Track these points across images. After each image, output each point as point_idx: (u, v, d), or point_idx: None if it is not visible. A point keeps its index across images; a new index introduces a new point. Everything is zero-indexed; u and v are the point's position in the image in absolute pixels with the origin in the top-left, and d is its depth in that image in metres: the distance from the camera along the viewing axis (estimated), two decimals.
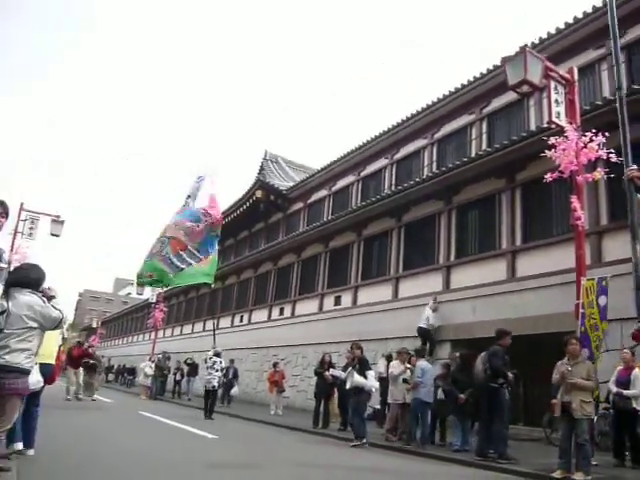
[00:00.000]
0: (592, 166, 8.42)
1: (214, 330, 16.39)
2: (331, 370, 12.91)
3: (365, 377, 10.52)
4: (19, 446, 5.62)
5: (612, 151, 7.49)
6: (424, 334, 13.79)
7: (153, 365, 23.41)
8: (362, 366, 10.73)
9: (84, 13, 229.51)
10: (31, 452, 5.57)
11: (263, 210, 28.11)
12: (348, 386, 10.67)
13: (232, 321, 27.65)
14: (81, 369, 17.09)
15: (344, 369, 12.22)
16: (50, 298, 4.70)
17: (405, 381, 10.60)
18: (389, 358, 12.80)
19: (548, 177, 7.83)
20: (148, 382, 23.12)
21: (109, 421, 12.07)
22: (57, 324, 4.53)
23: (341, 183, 24.46)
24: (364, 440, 10.05)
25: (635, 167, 3.68)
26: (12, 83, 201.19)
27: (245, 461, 7.01)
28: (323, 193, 25.60)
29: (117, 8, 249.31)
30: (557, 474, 6.76)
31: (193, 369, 23.33)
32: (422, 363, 10.44)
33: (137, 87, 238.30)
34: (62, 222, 19.28)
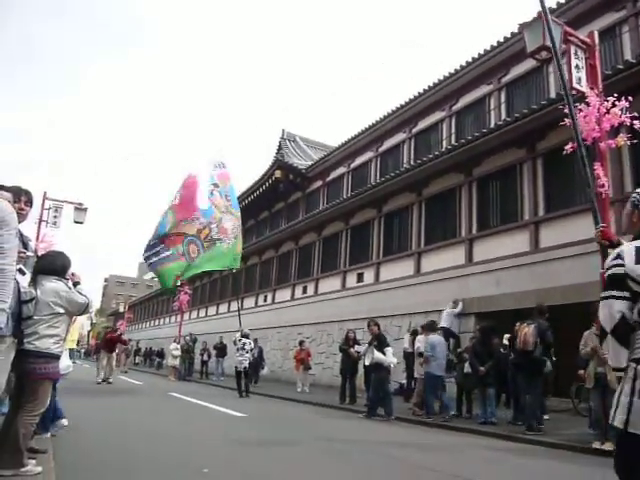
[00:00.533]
0: (615, 132, 8.23)
1: (239, 311, 16.58)
2: (356, 347, 12.99)
3: (384, 353, 10.65)
4: (64, 422, 6.09)
5: (636, 115, 7.30)
6: (449, 333, 13.34)
7: (179, 347, 23.73)
8: (380, 343, 10.87)
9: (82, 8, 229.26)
10: (47, 435, 5.69)
11: (283, 190, 28.12)
12: (367, 363, 10.86)
13: (256, 301, 27.85)
14: (114, 354, 18.10)
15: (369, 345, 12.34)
16: (75, 284, 4.76)
17: (421, 355, 10.67)
18: (414, 333, 12.80)
19: (568, 147, 7.66)
20: (177, 363, 23.45)
21: (140, 403, 12.29)
22: (83, 309, 4.60)
23: (359, 160, 24.30)
24: (392, 416, 10.30)
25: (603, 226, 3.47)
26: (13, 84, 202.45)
27: (274, 438, 7.10)
28: (342, 170, 25.49)
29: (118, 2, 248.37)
30: (597, 445, 6.76)
31: (222, 350, 23.58)
32: (432, 337, 10.57)
33: (137, 88, 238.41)
34: (85, 209, 19.50)
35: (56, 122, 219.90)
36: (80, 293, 4.57)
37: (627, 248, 2.52)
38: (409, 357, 12.49)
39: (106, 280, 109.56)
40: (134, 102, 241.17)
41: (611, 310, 2.44)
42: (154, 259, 13.66)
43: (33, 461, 4.30)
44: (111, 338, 18.35)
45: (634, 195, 2.66)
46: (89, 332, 75.66)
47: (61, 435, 6.13)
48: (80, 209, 19.45)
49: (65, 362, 4.88)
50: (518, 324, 10.52)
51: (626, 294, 2.41)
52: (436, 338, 10.67)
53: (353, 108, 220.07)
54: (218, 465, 5.23)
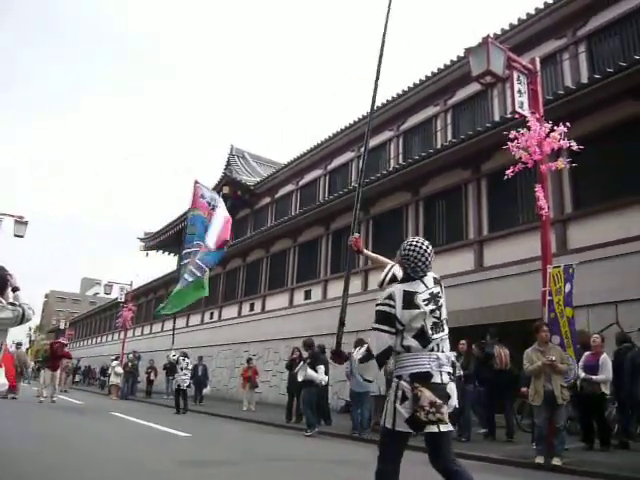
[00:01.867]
0: (555, 155, 8.52)
1: (173, 330, 16.52)
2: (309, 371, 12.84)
3: (316, 371, 11.13)
4: None
5: (573, 141, 7.59)
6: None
7: (122, 365, 23.01)
8: (314, 361, 11.40)
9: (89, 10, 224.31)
10: None
11: (230, 206, 27.82)
12: (300, 379, 11.28)
13: (202, 318, 27.42)
14: (58, 371, 17.55)
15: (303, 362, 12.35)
16: (15, 289, 4.50)
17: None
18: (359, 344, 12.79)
19: (509, 172, 7.95)
20: (119, 381, 22.72)
21: (80, 422, 11.82)
22: (19, 321, 4.30)
23: (308, 177, 24.37)
24: (315, 429, 10.77)
25: (357, 235, 4.05)
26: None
27: (215, 458, 6.93)
28: (290, 187, 25.49)
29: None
30: (540, 460, 6.87)
31: (172, 369, 22.54)
32: (354, 354, 10.71)
33: (136, 89, 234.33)
34: (25, 223, 18.83)
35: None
36: (13, 304, 4.30)
37: (397, 292, 3.32)
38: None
39: (47, 296, 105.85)
40: (133, 104, 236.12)
41: (380, 341, 3.31)
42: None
43: None
44: (57, 349, 17.15)
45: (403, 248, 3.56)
46: (27, 349, 72.89)
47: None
48: (20, 222, 18.78)
49: (0, 380, 4.60)
50: (463, 342, 10.70)
51: (392, 330, 3.27)
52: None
53: (303, 125, 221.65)
54: None
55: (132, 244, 43.98)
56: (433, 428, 3.17)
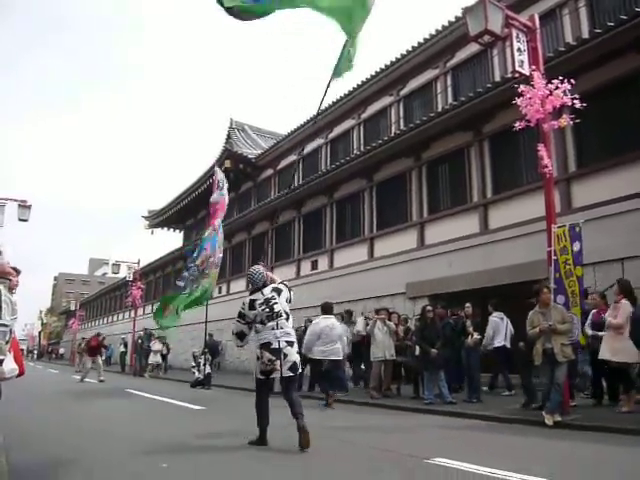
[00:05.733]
0: (558, 113, 8.42)
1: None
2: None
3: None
4: None
5: (577, 97, 7.48)
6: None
7: (157, 342, 23.16)
8: None
9: None
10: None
11: (233, 179, 27.74)
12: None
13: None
14: (98, 357, 19.49)
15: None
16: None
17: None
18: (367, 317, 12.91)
19: (517, 126, 7.81)
20: (158, 359, 22.90)
21: (94, 401, 12.02)
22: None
23: (310, 147, 24.21)
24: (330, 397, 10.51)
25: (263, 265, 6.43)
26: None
27: (230, 429, 7.05)
28: (292, 158, 25.36)
29: None
30: (548, 417, 6.94)
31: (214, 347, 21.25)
32: (360, 320, 12.64)
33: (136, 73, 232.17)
34: (29, 206, 18.81)
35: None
36: None
37: (246, 300, 6.02)
38: (362, 341, 12.52)
39: (55, 278, 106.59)
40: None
41: (236, 326, 6.09)
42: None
43: None
44: (95, 345, 19.70)
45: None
46: (40, 332, 73.75)
47: (15, 437, 5.96)
48: (24, 206, 18.76)
49: (10, 366, 4.66)
50: (468, 305, 10.76)
51: (243, 321, 5.99)
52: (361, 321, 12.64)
53: (304, 94, 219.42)
54: (176, 459, 5.15)
55: (137, 223, 44.04)
56: (274, 374, 5.73)
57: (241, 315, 5.98)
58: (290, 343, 5.80)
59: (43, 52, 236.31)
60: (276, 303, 5.88)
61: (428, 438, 6.71)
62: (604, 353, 7.63)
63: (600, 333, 8.31)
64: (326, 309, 10.56)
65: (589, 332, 8.53)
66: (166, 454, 5.41)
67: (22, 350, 15.47)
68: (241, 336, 6.03)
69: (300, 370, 6.03)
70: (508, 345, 10.13)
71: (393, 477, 4.50)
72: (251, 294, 6.03)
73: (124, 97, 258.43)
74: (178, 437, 6.60)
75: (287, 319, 5.93)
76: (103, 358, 19.52)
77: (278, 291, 6.02)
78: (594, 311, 8.67)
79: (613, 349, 7.48)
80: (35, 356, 56.25)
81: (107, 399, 12.51)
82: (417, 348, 10.26)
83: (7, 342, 4.27)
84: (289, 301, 6.14)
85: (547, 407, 7.09)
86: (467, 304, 10.80)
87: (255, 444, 5.77)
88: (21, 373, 4.79)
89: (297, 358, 5.85)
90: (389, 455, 5.42)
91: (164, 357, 23.69)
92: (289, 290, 6.18)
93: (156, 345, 22.99)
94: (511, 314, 10.25)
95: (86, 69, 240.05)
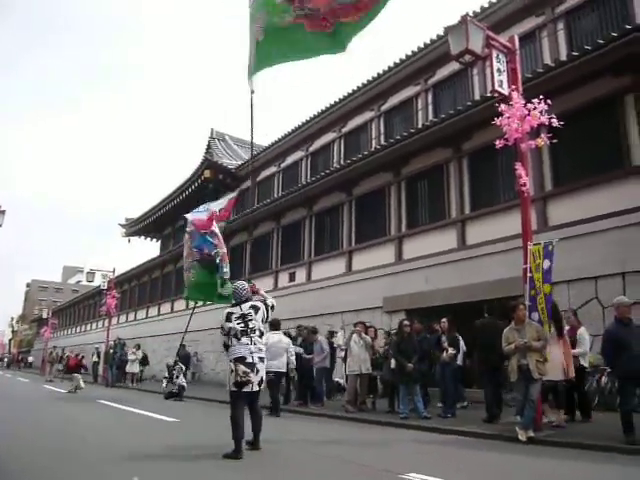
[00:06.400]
0: (535, 133, 8.57)
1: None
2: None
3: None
4: None
5: (554, 117, 7.63)
6: None
7: (136, 352, 22.95)
8: None
9: None
10: None
11: (212, 190, 27.67)
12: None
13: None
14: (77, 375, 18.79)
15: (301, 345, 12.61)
16: None
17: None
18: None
19: (498, 144, 7.93)
20: (135, 370, 22.77)
21: (69, 410, 11.81)
22: None
23: (290, 159, 24.26)
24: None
25: (252, 283, 7.23)
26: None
27: (204, 443, 6.97)
28: (272, 170, 25.38)
29: None
30: (521, 433, 6.99)
31: (186, 358, 20.99)
32: (322, 338, 12.98)
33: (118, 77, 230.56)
34: (3, 212, 18.54)
35: None
36: None
37: (224, 312, 6.34)
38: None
39: (28, 285, 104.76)
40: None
41: (222, 340, 6.39)
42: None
43: None
44: (73, 364, 20.33)
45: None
46: (10, 340, 72.34)
47: None
48: None
49: None
50: (444, 320, 10.82)
51: (224, 332, 6.26)
52: (322, 338, 12.91)
53: (284, 106, 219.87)
54: (148, 471, 5.08)
55: (114, 231, 43.63)
56: (247, 388, 5.98)
57: (221, 326, 6.33)
58: (261, 359, 6.20)
59: (43, 52, 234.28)
60: (251, 320, 6.23)
61: (403, 453, 6.71)
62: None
63: (572, 351, 8.43)
64: (275, 325, 11.09)
65: None
66: (138, 466, 5.33)
67: None
68: (226, 347, 6.32)
69: (263, 385, 6.32)
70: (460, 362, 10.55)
71: None
72: (231, 307, 6.41)
73: (115, 100, 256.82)
74: (150, 449, 6.51)
75: (260, 336, 6.29)
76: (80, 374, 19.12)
77: (255, 309, 6.35)
78: (566, 328, 8.78)
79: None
80: (5, 364, 55.08)
81: (78, 410, 12.29)
82: (393, 362, 10.28)
83: None
84: (265, 320, 6.48)
85: (521, 423, 7.14)
86: (443, 319, 10.86)
87: (231, 457, 5.74)
88: None
89: (264, 374, 6.30)
90: (363, 470, 5.40)
91: (143, 365, 23.44)
92: (267, 308, 6.50)
93: (138, 353, 22.80)
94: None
95: (69, 77, 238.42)
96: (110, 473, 5.10)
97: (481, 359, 9.25)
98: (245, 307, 6.30)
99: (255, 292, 6.91)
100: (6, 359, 58.56)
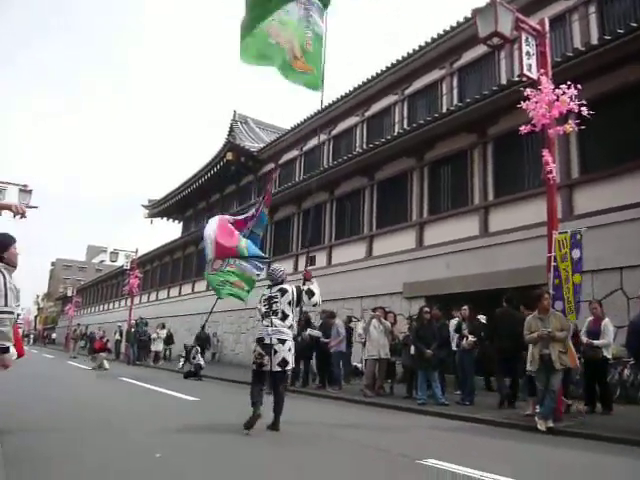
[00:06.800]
0: (564, 119, 8.39)
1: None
2: (309, 330, 12.96)
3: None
4: None
5: (584, 103, 7.45)
6: None
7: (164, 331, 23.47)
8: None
9: None
10: None
11: (234, 172, 27.75)
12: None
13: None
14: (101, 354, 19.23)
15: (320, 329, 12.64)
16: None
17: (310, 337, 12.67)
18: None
19: (523, 129, 7.77)
20: (160, 348, 23.18)
21: (91, 387, 12.02)
22: None
23: (312, 143, 24.15)
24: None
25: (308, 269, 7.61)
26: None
27: (224, 422, 7.02)
28: (294, 153, 25.32)
29: None
30: (541, 423, 6.93)
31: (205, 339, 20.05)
32: (339, 322, 12.91)
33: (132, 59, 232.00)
34: (30, 191, 18.76)
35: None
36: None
37: (265, 295, 6.56)
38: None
39: (53, 264, 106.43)
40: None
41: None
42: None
43: None
44: (99, 346, 20.09)
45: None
46: (36, 317, 73.77)
47: (9, 420, 5.95)
48: (25, 191, 18.71)
49: (11, 350, 4.68)
50: (465, 307, 10.73)
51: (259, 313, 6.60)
52: (340, 322, 12.89)
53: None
54: (170, 450, 5.13)
55: (137, 211, 44.02)
56: (265, 368, 6.21)
57: (258, 309, 6.65)
58: (282, 341, 6.27)
59: (58, 35, 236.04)
60: (276, 302, 6.40)
61: (420, 438, 6.70)
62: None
63: (595, 342, 8.32)
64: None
65: (584, 340, 8.54)
66: (160, 444, 5.39)
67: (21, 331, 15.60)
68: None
69: (291, 367, 6.49)
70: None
71: (386, 477, 4.48)
72: (267, 288, 6.69)
73: (128, 85, 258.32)
74: (171, 427, 6.59)
75: (283, 319, 6.35)
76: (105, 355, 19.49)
77: (282, 291, 6.47)
78: (590, 319, 8.67)
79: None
80: (31, 341, 56.21)
81: (101, 387, 12.50)
82: (412, 348, 10.26)
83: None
84: (295, 303, 6.50)
85: (540, 413, 7.08)
86: (464, 306, 10.77)
87: (248, 425, 6.05)
88: (20, 355, 4.84)
89: (288, 355, 6.30)
90: (381, 454, 5.40)
91: (168, 344, 23.70)
92: (300, 292, 6.54)
93: (161, 333, 23.14)
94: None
95: (88, 57, 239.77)
96: (134, 450, 5.16)
97: (498, 348, 9.19)
98: (274, 290, 6.51)
99: (308, 279, 6.95)
100: (32, 335, 59.68)
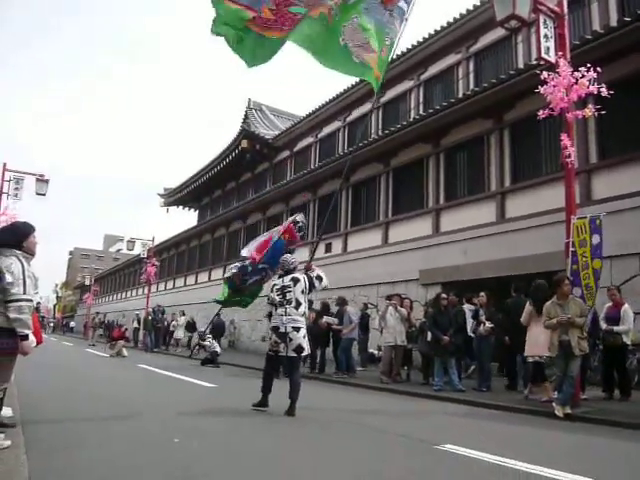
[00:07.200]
0: (582, 103, 8.27)
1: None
2: (325, 317, 12.98)
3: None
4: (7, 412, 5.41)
5: (603, 86, 7.33)
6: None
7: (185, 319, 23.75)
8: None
9: None
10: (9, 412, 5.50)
11: (249, 160, 27.78)
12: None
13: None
14: (120, 341, 19.38)
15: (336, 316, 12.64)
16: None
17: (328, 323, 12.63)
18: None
19: (541, 114, 7.67)
20: (180, 335, 23.53)
21: (110, 374, 12.16)
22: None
23: (327, 129, 24.11)
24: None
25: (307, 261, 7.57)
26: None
27: (242, 408, 7.09)
28: (309, 140, 25.28)
29: None
30: (559, 409, 6.91)
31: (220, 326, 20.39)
32: (351, 309, 12.73)
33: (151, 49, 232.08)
34: (47, 181, 18.95)
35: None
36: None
37: (271, 283, 6.98)
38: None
39: (71, 253, 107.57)
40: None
41: (267, 309, 8.58)
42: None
43: (1, 435, 4.25)
44: (117, 336, 20.14)
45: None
46: (55, 306, 74.64)
47: (30, 408, 6.04)
48: (42, 180, 18.91)
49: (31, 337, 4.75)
50: (482, 294, 10.69)
51: (270, 302, 6.84)
52: (353, 310, 12.70)
53: (322, 77, 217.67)
54: (188, 435, 5.19)
55: (153, 201, 44.27)
56: (281, 353, 6.53)
57: (268, 297, 6.91)
58: (296, 328, 6.57)
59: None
60: (289, 291, 6.64)
61: (437, 424, 6.71)
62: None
63: (615, 328, 8.26)
64: None
65: (603, 326, 8.49)
66: (178, 429, 5.45)
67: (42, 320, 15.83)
68: (269, 316, 7.39)
69: (306, 352, 6.83)
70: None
71: (404, 461, 4.50)
72: (278, 278, 6.95)
73: (145, 69, 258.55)
74: (190, 414, 6.65)
75: (297, 307, 6.62)
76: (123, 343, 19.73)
77: (295, 280, 6.72)
78: (609, 305, 8.61)
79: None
80: (51, 329, 56.95)
81: (119, 374, 12.64)
82: (429, 334, 10.25)
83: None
84: (307, 291, 6.75)
85: (558, 398, 7.06)
86: (482, 293, 10.73)
87: (255, 405, 6.68)
88: (39, 343, 4.91)
89: (303, 342, 6.61)
90: (399, 439, 5.42)
91: (191, 331, 23.85)
92: (311, 280, 6.81)
93: (180, 320, 23.37)
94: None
95: (105, 40, 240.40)
96: (152, 436, 5.23)
97: (511, 338, 9.23)
98: (286, 279, 6.75)
99: (309, 268, 7.10)
100: (52, 324, 60.46)
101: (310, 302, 13.91)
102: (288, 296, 6.62)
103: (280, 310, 6.60)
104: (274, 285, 6.81)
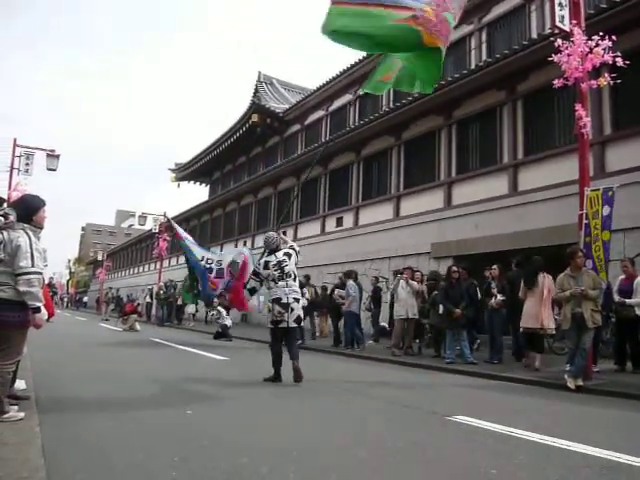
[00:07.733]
0: (596, 73, 8.13)
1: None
2: (337, 290, 13.05)
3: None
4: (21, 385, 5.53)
5: (619, 54, 7.18)
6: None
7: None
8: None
9: None
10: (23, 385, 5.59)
11: (260, 134, 27.66)
12: None
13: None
14: (131, 316, 19.82)
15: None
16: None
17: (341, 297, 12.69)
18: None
19: (556, 83, 7.54)
20: (192, 309, 23.78)
21: (123, 348, 12.32)
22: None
23: (338, 103, 23.89)
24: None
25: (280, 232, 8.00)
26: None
27: (254, 380, 7.18)
28: (320, 114, 25.08)
29: None
30: (571, 381, 6.94)
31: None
32: (351, 282, 12.43)
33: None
34: (57, 156, 19.00)
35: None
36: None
37: (262, 261, 7.34)
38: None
39: (83, 229, 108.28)
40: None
41: (251, 284, 7.71)
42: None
43: (15, 407, 4.32)
44: (129, 310, 20.40)
45: None
46: (68, 281, 75.29)
47: (43, 381, 6.15)
48: (52, 156, 18.96)
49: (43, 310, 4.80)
50: (495, 267, 10.66)
51: (257, 278, 7.34)
52: (353, 283, 12.44)
53: (332, 49, 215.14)
54: (200, 406, 5.27)
55: (164, 175, 44.37)
56: (282, 325, 6.92)
57: (256, 273, 7.40)
58: (296, 300, 7.09)
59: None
60: (287, 265, 7.11)
61: (449, 396, 6.76)
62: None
63: (628, 301, 8.22)
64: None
65: (616, 298, 8.45)
66: (191, 401, 5.53)
67: (53, 295, 16.07)
68: (252, 291, 7.76)
69: (302, 322, 7.42)
70: None
71: (418, 433, 4.55)
72: (267, 256, 7.31)
73: (155, 47, 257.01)
74: (202, 386, 6.75)
75: (294, 279, 7.16)
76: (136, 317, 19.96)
77: (289, 255, 7.24)
78: (622, 277, 8.56)
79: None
80: (65, 305, 57.57)
81: (133, 347, 12.79)
82: (441, 307, 10.27)
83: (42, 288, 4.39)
84: (297, 263, 7.35)
85: (570, 371, 7.07)
86: (494, 265, 10.70)
87: (269, 380, 7.00)
88: (51, 315, 4.97)
89: (301, 312, 7.19)
90: (411, 411, 5.48)
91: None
92: (297, 254, 7.40)
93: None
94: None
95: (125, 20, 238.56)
96: (165, 407, 5.31)
97: (510, 311, 9.32)
98: (280, 255, 7.19)
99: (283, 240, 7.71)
100: (65, 299, 61.07)
101: (307, 277, 14.49)
102: (286, 270, 7.08)
103: (281, 283, 7.02)
104: (268, 262, 7.14)
